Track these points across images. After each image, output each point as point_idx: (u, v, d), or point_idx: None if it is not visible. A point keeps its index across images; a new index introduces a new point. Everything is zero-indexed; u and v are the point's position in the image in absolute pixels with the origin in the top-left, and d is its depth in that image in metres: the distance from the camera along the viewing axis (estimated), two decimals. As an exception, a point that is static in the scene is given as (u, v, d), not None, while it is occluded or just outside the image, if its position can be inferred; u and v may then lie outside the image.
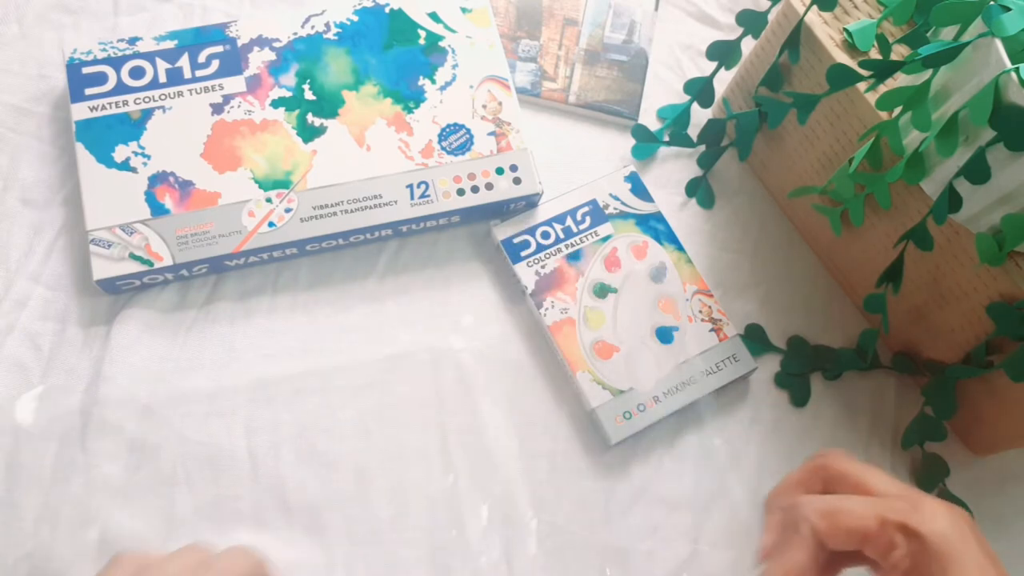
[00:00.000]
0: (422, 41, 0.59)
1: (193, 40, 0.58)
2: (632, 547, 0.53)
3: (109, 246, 0.53)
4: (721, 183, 0.63)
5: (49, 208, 0.57)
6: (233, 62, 0.58)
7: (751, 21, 0.58)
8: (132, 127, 0.55)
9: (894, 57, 0.51)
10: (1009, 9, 0.39)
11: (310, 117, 0.57)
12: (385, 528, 0.52)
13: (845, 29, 0.51)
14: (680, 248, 0.58)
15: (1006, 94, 0.39)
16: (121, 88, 0.56)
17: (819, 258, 0.61)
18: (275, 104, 0.57)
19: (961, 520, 0.37)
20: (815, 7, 0.51)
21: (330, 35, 0.59)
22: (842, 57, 0.50)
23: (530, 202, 0.58)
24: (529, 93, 0.63)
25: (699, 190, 0.62)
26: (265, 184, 0.55)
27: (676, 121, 0.63)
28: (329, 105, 0.57)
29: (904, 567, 0.36)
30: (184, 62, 0.57)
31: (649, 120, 0.64)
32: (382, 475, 0.53)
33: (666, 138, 0.62)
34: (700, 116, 0.63)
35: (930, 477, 0.56)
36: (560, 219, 0.58)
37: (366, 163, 0.56)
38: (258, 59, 0.58)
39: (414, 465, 0.53)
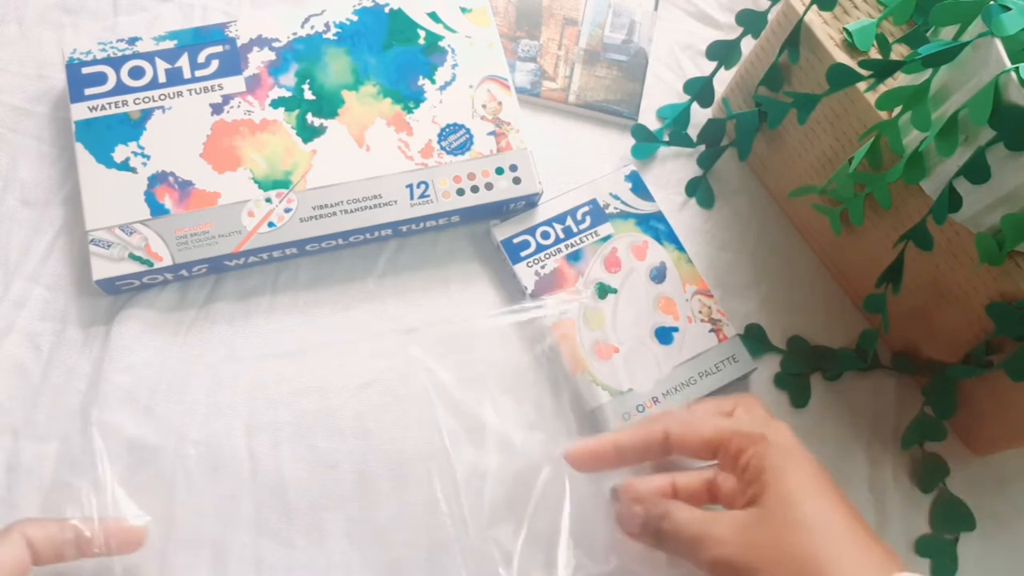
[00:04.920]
0: (422, 41, 0.59)
1: (192, 40, 0.58)
2: (633, 547, 0.53)
3: (109, 246, 0.53)
4: (721, 183, 0.63)
5: (49, 208, 0.57)
6: (233, 62, 0.58)
7: (751, 21, 0.58)
8: (132, 127, 0.55)
9: (894, 57, 0.51)
10: (1009, 9, 0.39)
11: (310, 117, 0.57)
12: (385, 528, 0.52)
13: (845, 29, 0.51)
14: (680, 248, 0.58)
15: (1006, 94, 0.39)
16: (121, 88, 0.56)
17: (819, 258, 0.61)
18: (275, 104, 0.57)
19: (793, 436, 0.45)
20: (815, 7, 0.51)
21: (330, 35, 0.59)
22: (842, 57, 0.50)
23: (530, 202, 0.58)
24: (529, 93, 0.63)
25: (699, 190, 0.62)
26: (265, 184, 0.55)
27: (676, 121, 0.63)
28: (329, 105, 0.57)
29: (754, 465, 0.43)
30: (184, 62, 0.57)
31: (649, 120, 0.64)
32: (382, 475, 0.53)
33: (666, 138, 0.62)
34: (700, 116, 0.63)
35: (930, 477, 0.56)
36: (560, 219, 0.58)
37: (366, 163, 0.56)
38: (258, 59, 0.58)
39: (414, 465, 0.53)
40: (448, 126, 0.58)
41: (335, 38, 0.59)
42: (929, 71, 0.43)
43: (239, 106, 0.57)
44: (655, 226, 0.59)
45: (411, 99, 0.58)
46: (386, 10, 0.60)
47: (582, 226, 0.58)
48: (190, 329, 0.55)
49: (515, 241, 0.57)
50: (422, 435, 0.54)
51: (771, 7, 0.56)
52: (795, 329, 0.59)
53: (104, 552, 0.44)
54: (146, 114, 0.56)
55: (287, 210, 0.55)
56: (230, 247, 0.54)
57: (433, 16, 0.60)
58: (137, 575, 0.48)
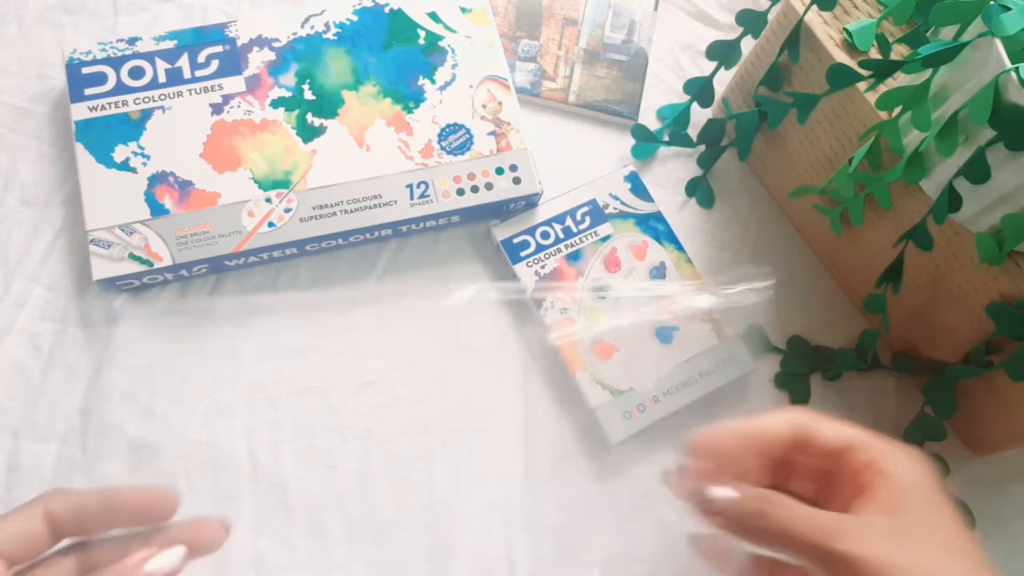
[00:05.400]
0: (422, 41, 0.59)
1: (192, 40, 0.58)
2: (634, 548, 0.53)
3: (109, 246, 0.53)
4: (721, 183, 0.63)
5: (49, 208, 0.57)
6: (233, 62, 0.58)
7: (751, 21, 0.58)
8: (132, 127, 0.55)
9: (894, 57, 0.51)
10: (1009, 9, 0.39)
11: (310, 117, 0.57)
12: (385, 528, 0.52)
13: (845, 29, 0.51)
14: (680, 248, 0.58)
15: (1006, 94, 0.39)
16: (121, 88, 0.56)
17: (819, 258, 0.61)
18: (275, 104, 0.57)
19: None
20: (815, 7, 0.51)
21: (330, 35, 0.59)
22: (842, 57, 0.50)
23: (530, 202, 0.58)
24: (529, 93, 0.63)
25: (699, 190, 0.62)
26: (265, 184, 0.55)
27: (676, 121, 0.63)
28: (329, 105, 0.57)
29: (897, 478, 0.38)
30: (184, 62, 0.57)
31: (649, 120, 0.64)
32: (382, 475, 0.53)
33: (666, 138, 0.62)
34: (700, 116, 0.63)
35: (930, 477, 0.56)
36: (560, 219, 0.58)
37: (366, 163, 0.56)
38: (258, 59, 0.58)
39: (414, 465, 0.53)
40: (448, 126, 0.58)
41: (335, 38, 0.59)
42: (929, 71, 0.43)
43: (239, 106, 0.57)
44: (654, 226, 0.59)
45: (411, 99, 0.58)
46: (386, 10, 0.60)
47: (582, 226, 0.58)
48: (190, 329, 0.55)
49: (515, 241, 0.57)
50: (422, 435, 0.54)
51: (771, 7, 0.55)
52: (795, 329, 0.59)
53: (133, 521, 0.40)
54: (146, 114, 0.56)
55: (287, 210, 0.55)
56: (230, 247, 0.54)
57: (433, 16, 0.60)
58: None
